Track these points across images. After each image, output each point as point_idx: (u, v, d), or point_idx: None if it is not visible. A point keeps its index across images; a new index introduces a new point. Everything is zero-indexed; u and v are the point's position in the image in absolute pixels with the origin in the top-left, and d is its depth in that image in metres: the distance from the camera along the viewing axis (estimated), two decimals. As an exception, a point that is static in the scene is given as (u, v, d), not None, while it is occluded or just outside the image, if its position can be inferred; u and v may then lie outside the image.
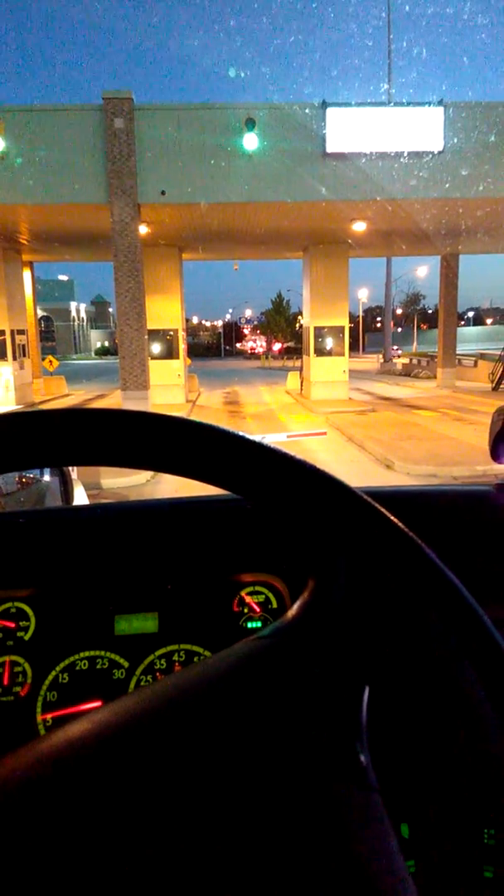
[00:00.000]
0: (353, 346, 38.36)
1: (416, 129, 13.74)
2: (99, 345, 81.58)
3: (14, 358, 19.72)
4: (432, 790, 0.64)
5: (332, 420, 15.34)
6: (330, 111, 13.71)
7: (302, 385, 22.37)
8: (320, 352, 20.76)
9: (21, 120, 13.63)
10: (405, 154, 13.71)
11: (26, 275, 22.88)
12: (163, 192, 13.99)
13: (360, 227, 17.07)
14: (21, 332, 20.52)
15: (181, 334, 20.78)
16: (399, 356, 44.13)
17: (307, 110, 13.88)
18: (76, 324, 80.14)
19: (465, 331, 66.22)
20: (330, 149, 13.75)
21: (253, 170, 13.86)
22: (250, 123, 13.47)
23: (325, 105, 13.72)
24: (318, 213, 15.49)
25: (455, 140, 13.72)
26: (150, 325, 17.03)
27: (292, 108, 14.07)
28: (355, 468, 10.35)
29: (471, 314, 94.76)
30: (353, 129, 13.78)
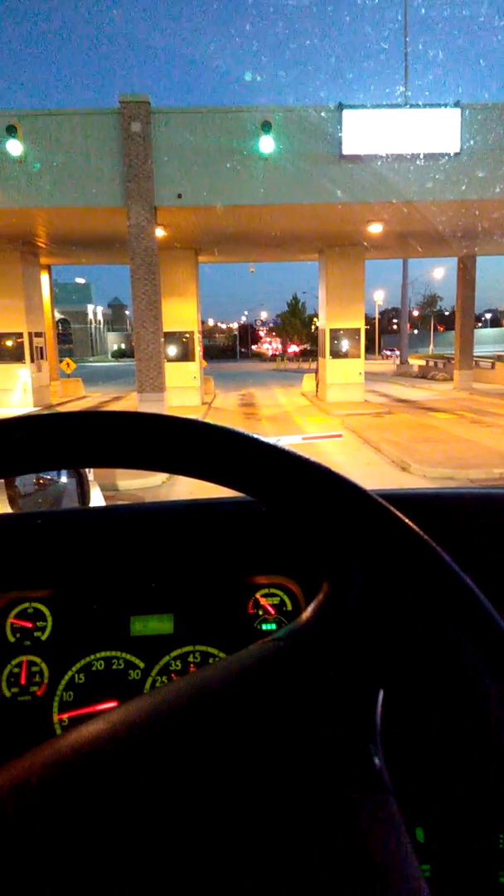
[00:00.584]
0: (369, 349, 38.24)
1: (433, 130, 13.67)
2: (116, 347, 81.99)
3: (32, 360, 19.88)
4: (447, 795, 0.63)
5: (347, 422, 15.29)
6: (346, 113, 13.68)
7: (317, 387, 22.32)
8: (336, 354, 20.71)
9: (39, 124, 13.75)
10: (421, 156, 13.65)
11: (44, 278, 23.06)
12: (179, 196, 14.04)
13: (375, 228, 17.01)
14: (39, 334, 20.69)
15: (197, 337, 20.83)
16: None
17: (323, 113, 13.87)
18: (93, 326, 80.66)
19: (483, 332, 65.77)
20: (346, 151, 13.72)
21: (269, 172, 13.87)
22: (266, 126, 13.48)
23: (340, 107, 13.70)
24: (334, 215, 15.46)
25: (472, 142, 13.64)
26: (166, 328, 17.08)
27: (308, 110, 14.06)
28: (371, 470, 10.31)
29: (488, 316, 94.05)
30: (369, 132, 13.74)
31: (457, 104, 13.65)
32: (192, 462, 0.43)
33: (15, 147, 13.52)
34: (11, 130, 13.39)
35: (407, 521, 0.42)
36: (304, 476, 0.42)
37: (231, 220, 15.79)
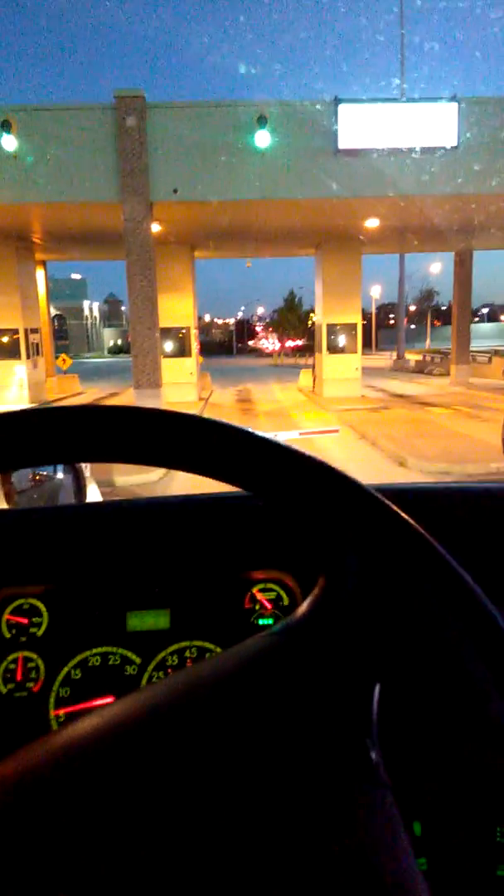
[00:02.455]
0: (366, 344, 38.23)
1: (429, 124, 13.64)
2: (112, 343, 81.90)
3: (28, 356, 19.82)
4: (445, 788, 0.63)
5: (344, 417, 15.30)
6: (342, 108, 13.64)
7: (314, 383, 22.32)
8: (333, 349, 20.70)
9: (33, 119, 13.69)
10: (418, 150, 13.63)
11: (39, 274, 22.99)
12: (175, 191, 13.99)
13: (372, 223, 16.99)
14: (34, 330, 20.63)
15: (193, 332, 20.80)
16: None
17: (319, 107, 13.82)
18: (89, 322, 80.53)
19: (480, 327, 65.83)
20: (342, 145, 13.68)
21: (265, 167, 13.83)
22: (262, 121, 13.44)
23: (336, 102, 13.66)
24: (331, 209, 15.43)
25: (468, 135, 13.62)
26: (163, 324, 17.06)
27: (304, 105, 14.02)
28: (368, 466, 10.32)
29: (485, 310, 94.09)
30: (365, 126, 13.70)
31: (453, 98, 13.63)
32: (188, 456, 0.43)
33: (9, 143, 13.45)
34: (6, 126, 13.32)
35: (403, 514, 0.42)
36: (299, 470, 0.42)
37: (227, 215, 15.75)
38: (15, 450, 0.41)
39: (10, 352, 19.53)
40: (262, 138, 13.60)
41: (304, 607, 0.42)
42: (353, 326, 20.85)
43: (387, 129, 13.66)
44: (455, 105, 13.58)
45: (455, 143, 13.59)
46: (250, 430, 0.43)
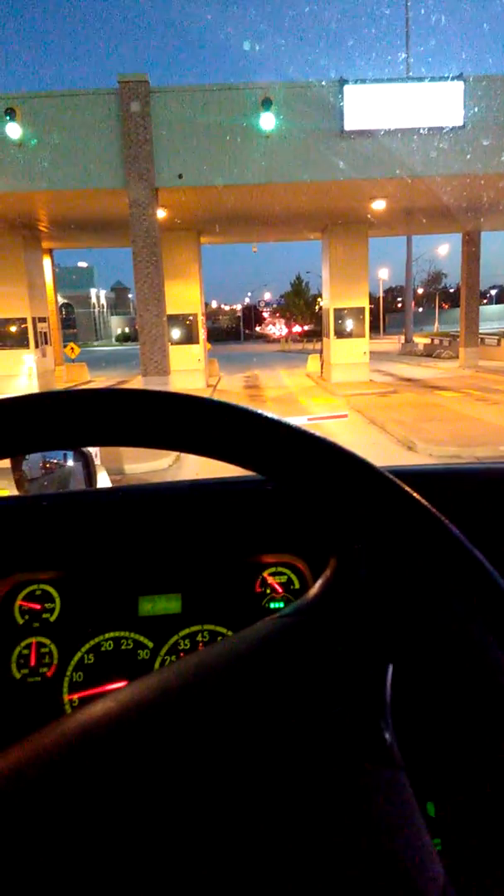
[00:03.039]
0: (374, 327, 38.02)
1: (436, 103, 13.45)
2: (119, 331, 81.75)
3: (36, 345, 19.84)
4: (459, 769, 0.63)
5: (352, 402, 15.25)
6: (347, 88, 13.46)
7: (322, 368, 22.24)
8: (340, 334, 20.60)
9: (37, 106, 13.60)
10: (425, 129, 13.45)
11: (46, 262, 22.94)
12: (180, 176, 13.90)
13: (379, 205, 16.82)
14: (42, 319, 20.63)
15: (200, 319, 20.74)
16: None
17: (324, 88, 13.66)
18: (96, 310, 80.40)
19: (488, 309, 65.18)
20: (348, 126, 13.53)
21: (271, 150, 13.70)
22: (267, 103, 13.29)
23: (342, 82, 13.48)
24: (337, 191, 15.30)
25: (475, 112, 13.43)
26: (170, 311, 17.01)
27: (309, 86, 13.85)
28: (377, 450, 10.29)
29: (493, 292, 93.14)
30: (371, 106, 13.53)
31: (459, 76, 13.42)
32: (199, 439, 0.42)
33: (14, 130, 13.38)
34: (10, 113, 13.25)
35: (415, 494, 0.42)
36: (311, 451, 0.42)
37: (233, 199, 15.63)
38: (33, 433, 0.41)
39: (19, 341, 19.55)
40: (268, 121, 13.46)
41: (315, 589, 0.42)
42: (361, 310, 20.71)
43: (393, 108, 13.49)
44: (461, 84, 13.39)
45: (462, 122, 13.41)
46: (262, 412, 0.43)
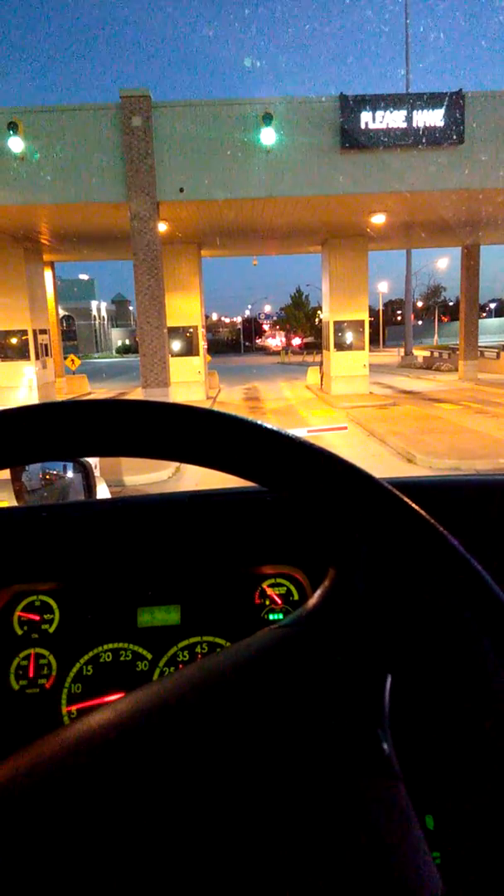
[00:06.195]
0: (374, 340, 38.11)
1: (435, 119, 13.59)
2: (120, 343, 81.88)
3: (37, 357, 19.88)
4: (458, 781, 0.63)
5: (352, 415, 15.26)
6: (347, 103, 13.59)
7: (322, 380, 22.28)
8: (340, 346, 20.66)
9: (39, 121, 13.72)
10: (424, 144, 13.57)
11: (47, 275, 23.04)
12: (181, 190, 13.99)
13: (379, 219, 16.93)
14: (43, 331, 20.69)
15: (201, 331, 20.80)
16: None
17: (324, 103, 13.79)
18: (97, 322, 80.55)
19: (487, 322, 65.37)
20: (348, 141, 13.64)
21: (271, 164, 13.81)
22: (267, 118, 13.41)
23: (342, 97, 13.62)
24: (337, 205, 15.40)
25: (474, 126, 13.56)
26: (170, 323, 17.06)
27: (309, 101, 13.97)
28: (377, 462, 10.29)
29: (493, 305, 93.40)
30: (371, 121, 13.66)
31: (458, 92, 13.56)
32: (199, 450, 0.42)
33: (17, 144, 13.49)
34: (13, 127, 13.36)
35: (413, 505, 0.42)
36: (310, 462, 0.42)
37: (233, 213, 15.74)
38: (34, 444, 0.41)
39: (20, 353, 19.60)
40: (268, 135, 13.58)
41: (314, 599, 0.42)
42: (361, 323, 20.78)
43: (392, 123, 13.61)
44: (460, 99, 13.52)
45: (461, 137, 13.53)
46: (262, 423, 0.43)
